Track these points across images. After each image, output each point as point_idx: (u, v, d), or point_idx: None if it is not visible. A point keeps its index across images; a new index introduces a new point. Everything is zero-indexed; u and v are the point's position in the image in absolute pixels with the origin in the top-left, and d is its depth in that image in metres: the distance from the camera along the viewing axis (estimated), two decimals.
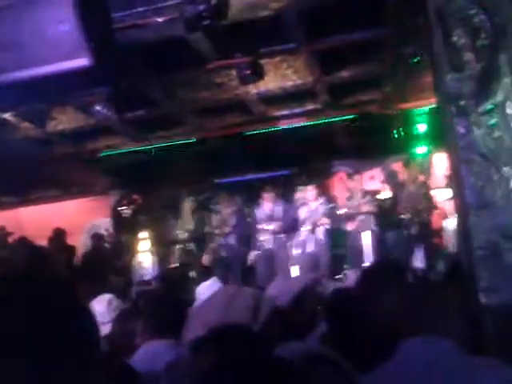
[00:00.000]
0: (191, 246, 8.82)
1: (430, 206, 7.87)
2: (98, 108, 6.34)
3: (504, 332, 3.22)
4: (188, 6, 4.68)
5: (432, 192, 8.37)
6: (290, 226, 7.80)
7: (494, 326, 3.18)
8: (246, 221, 8.40)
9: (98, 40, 4.34)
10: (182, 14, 4.86)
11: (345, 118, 8.01)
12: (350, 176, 8.43)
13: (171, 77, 6.47)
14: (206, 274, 7.47)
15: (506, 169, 3.57)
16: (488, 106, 3.64)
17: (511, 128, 3.58)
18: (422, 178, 8.21)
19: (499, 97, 3.64)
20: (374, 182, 9.00)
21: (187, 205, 9.00)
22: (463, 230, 3.70)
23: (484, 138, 3.63)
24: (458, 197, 3.76)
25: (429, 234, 7.60)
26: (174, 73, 6.35)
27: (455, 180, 3.81)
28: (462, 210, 3.73)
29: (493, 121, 3.64)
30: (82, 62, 4.13)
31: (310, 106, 7.63)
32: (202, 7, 4.60)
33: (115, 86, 6.02)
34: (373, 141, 8.28)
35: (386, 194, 8.14)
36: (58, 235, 8.68)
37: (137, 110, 7.32)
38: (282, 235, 7.86)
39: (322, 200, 7.81)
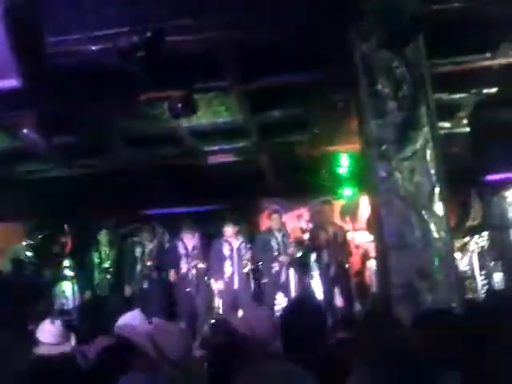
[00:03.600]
0: (111, 277, 8.58)
1: (351, 247, 8.12)
2: (25, 131, 6.15)
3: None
4: (122, 36, 4.69)
5: (356, 234, 8.64)
6: (211, 263, 7.78)
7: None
8: (169, 255, 8.31)
9: (29, 62, 4.27)
10: (116, 44, 4.86)
11: (274, 157, 8.19)
12: (277, 214, 8.55)
13: (103, 105, 6.40)
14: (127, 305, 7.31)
15: (424, 212, 3.79)
16: (409, 152, 3.88)
17: (430, 173, 3.82)
18: (346, 219, 8.48)
19: (419, 144, 3.89)
20: (301, 220, 9.18)
21: (109, 235, 8.79)
22: (382, 269, 3.87)
23: (404, 182, 3.84)
24: (378, 238, 3.94)
25: (349, 275, 7.81)
26: (105, 101, 6.29)
27: (375, 221, 3.99)
28: (381, 251, 3.90)
29: (413, 166, 3.87)
30: (12, 83, 4.04)
31: (240, 144, 7.75)
32: (136, 38, 4.63)
33: (44, 110, 5.89)
34: (300, 180, 8.48)
35: (310, 233, 8.31)
36: None
37: (65, 136, 7.16)
38: (202, 271, 7.84)
39: (244, 238, 7.88)
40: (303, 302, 2.86)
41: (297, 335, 2.45)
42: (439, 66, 5.19)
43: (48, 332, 4.32)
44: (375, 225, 4.04)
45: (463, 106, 6.63)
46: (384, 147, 3.89)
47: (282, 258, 7.64)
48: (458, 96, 6.33)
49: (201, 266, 7.84)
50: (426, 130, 3.90)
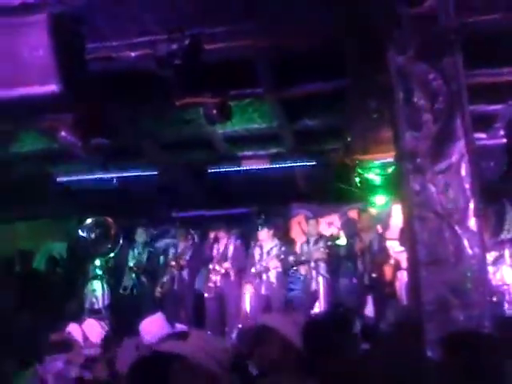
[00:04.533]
0: (142, 277, 8.70)
1: (384, 256, 8.02)
2: (63, 133, 6.30)
3: None
4: (161, 44, 4.76)
5: (388, 243, 8.56)
6: (242, 266, 7.80)
7: (438, 381, 3.25)
8: (201, 257, 8.38)
9: (70, 69, 4.38)
10: (154, 51, 4.94)
11: (307, 163, 8.18)
12: (308, 220, 8.53)
13: (139, 109, 6.52)
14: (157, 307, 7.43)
15: (457, 227, 3.72)
16: (443, 165, 3.82)
17: (465, 188, 3.75)
18: (378, 228, 8.39)
19: (454, 157, 3.83)
20: (332, 227, 9.14)
21: (142, 235, 8.91)
22: (413, 284, 3.82)
23: (438, 196, 3.79)
24: (410, 251, 3.89)
25: (380, 285, 7.71)
26: (141, 106, 6.40)
27: (408, 235, 3.94)
28: (413, 265, 3.86)
29: (447, 180, 3.81)
30: (52, 88, 4.15)
31: (273, 150, 7.78)
32: (175, 46, 4.69)
33: (82, 113, 6.01)
34: (332, 188, 8.45)
35: (341, 240, 8.27)
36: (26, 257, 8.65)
37: (101, 139, 7.30)
38: (233, 274, 7.86)
39: (276, 242, 7.87)
40: (333, 314, 2.86)
41: (321, 348, 2.44)
42: (476, 77, 5.11)
43: (96, 329, 4.42)
44: (407, 238, 4.00)
45: (500, 117, 6.51)
46: (418, 160, 3.84)
47: (314, 265, 7.62)
48: (494, 107, 6.22)
49: (232, 268, 7.87)
50: (461, 143, 3.83)
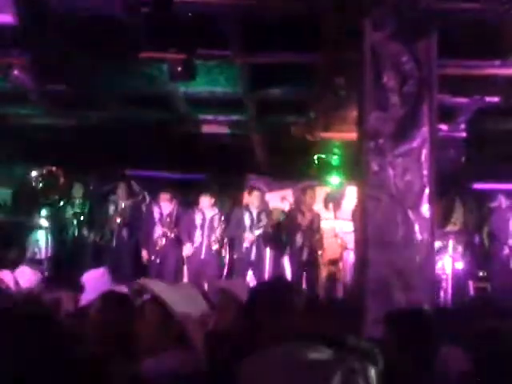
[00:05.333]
0: (83, 231, 8.53)
1: (330, 235, 8.11)
2: (15, 73, 5.97)
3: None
4: None
5: (336, 222, 8.62)
6: (184, 231, 7.73)
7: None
8: (141, 216, 8.26)
9: (29, 1, 4.12)
10: None
11: (267, 134, 8.10)
12: (260, 192, 8.48)
13: (101, 57, 6.24)
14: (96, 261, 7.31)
15: (410, 212, 3.74)
16: (404, 149, 3.82)
17: (422, 174, 3.77)
18: (329, 207, 8.44)
19: (416, 142, 3.83)
20: (284, 202, 9.13)
21: (84, 189, 8.71)
22: (360, 262, 3.83)
23: (395, 179, 3.79)
24: (360, 230, 3.90)
25: (317, 262, 7.81)
26: (104, 54, 6.12)
27: (360, 214, 3.94)
28: (362, 244, 3.87)
29: (406, 164, 3.81)
30: (7, 18, 3.90)
31: (235, 116, 7.64)
32: None
33: (38, 53, 5.71)
34: (290, 162, 8.41)
35: (290, 215, 8.26)
36: None
37: (57, 84, 6.98)
38: (174, 239, 7.80)
39: (217, 211, 7.81)
40: (275, 281, 2.80)
41: (262, 314, 2.38)
42: (445, 67, 5.11)
43: (28, 277, 4.30)
44: (360, 217, 4.00)
45: (463, 110, 6.58)
46: (380, 141, 3.82)
47: (252, 235, 7.63)
48: (459, 100, 6.27)
49: (171, 234, 7.80)
50: (425, 129, 3.84)
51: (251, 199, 8.03)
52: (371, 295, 3.59)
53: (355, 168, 4.43)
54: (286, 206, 8.98)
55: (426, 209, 3.77)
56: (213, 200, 7.75)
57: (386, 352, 2.39)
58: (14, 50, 5.62)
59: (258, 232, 7.71)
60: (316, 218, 8.02)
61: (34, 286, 4.49)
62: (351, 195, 8.80)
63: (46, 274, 7.63)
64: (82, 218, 8.49)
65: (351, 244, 8.06)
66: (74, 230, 8.45)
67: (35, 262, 7.86)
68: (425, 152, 3.81)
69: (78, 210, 8.57)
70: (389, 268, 3.64)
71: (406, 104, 3.87)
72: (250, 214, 7.84)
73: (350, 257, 7.89)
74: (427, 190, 3.77)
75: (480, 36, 4.91)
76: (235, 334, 2.41)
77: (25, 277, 4.56)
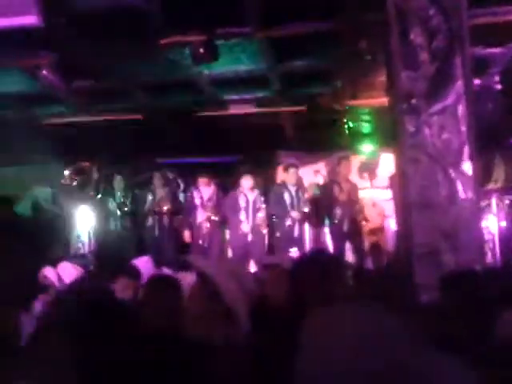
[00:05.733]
0: (125, 223, 8.61)
1: (369, 204, 7.99)
2: (44, 73, 6.02)
3: (434, 329, 3.28)
4: None
5: (374, 191, 8.50)
6: (226, 214, 7.73)
7: (427, 323, 3.23)
8: (181, 203, 8.30)
9: (52, 2, 4.12)
10: None
11: (294, 108, 8.00)
12: (294, 167, 8.41)
13: (123, 49, 6.23)
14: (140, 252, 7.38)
15: (451, 170, 3.64)
16: (439, 106, 3.70)
17: (460, 131, 3.65)
18: (365, 176, 8.32)
19: (451, 98, 3.70)
20: (318, 175, 9.05)
21: (123, 182, 8.77)
22: (404, 227, 3.76)
23: (433, 138, 3.68)
24: (402, 194, 3.81)
25: (359, 232, 7.70)
26: (126, 45, 6.12)
27: (400, 178, 3.85)
28: (405, 208, 3.78)
29: (443, 122, 3.70)
30: (32, 19, 3.91)
31: (260, 94, 7.56)
32: None
33: (63, 51, 5.74)
34: (320, 134, 8.30)
35: (326, 188, 8.18)
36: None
37: (84, 80, 7.03)
38: (217, 222, 7.81)
39: (258, 191, 7.78)
40: (316, 254, 2.77)
41: (308, 285, 2.35)
42: (476, 17, 4.92)
43: (71, 272, 4.38)
44: (399, 182, 3.91)
45: (497, 61, 6.33)
46: (413, 101, 3.71)
47: (296, 213, 7.56)
48: (491, 50, 6.03)
49: (214, 217, 7.80)
50: (459, 84, 3.70)
51: (288, 176, 7.95)
52: (418, 260, 3.52)
53: (391, 132, 4.32)
54: (320, 180, 8.90)
55: (467, 166, 3.66)
56: (253, 181, 7.71)
57: (441, 317, 2.33)
58: (41, 51, 5.66)
59: (298, 208, 7.65)
60: (353, 188, 7.90)
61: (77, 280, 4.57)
62: (385, 162, 8.65)
63: (91, 267, 7.78)
64: (123, 209, 8.58)
65: (390, 211, 7.95)
66: (116, 222, 8.55)
67: (79, 257, 8.01)
68: (461, 108, 3.68)
69: (119, 202, 8.67)
70: (434, 230, 3.56)
71: (437, 60, 3.73)
72: (289, 191, 7.77)
73: (391, 224, 7.77)
74: (467, 147, 3.65)
75: None
76: (283, 308, 2.40)
77: (67, 272, 4.65)
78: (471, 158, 3.66)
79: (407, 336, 1.00)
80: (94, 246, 8.48)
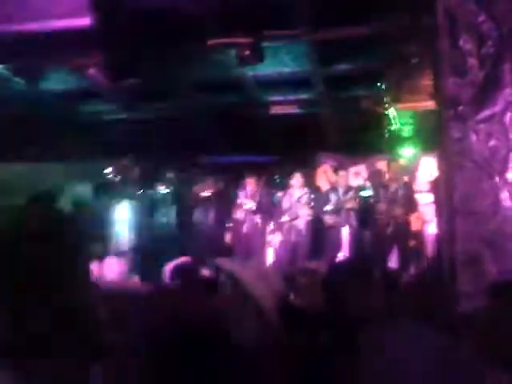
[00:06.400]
0: (169, 220, 8.73)
1: (410, 208, 7.91)
2: (92, 71, 6.21)
3: (477, 337, 3.26)
4: None
5: (414, 195, 8.42)
6: (269, 211, 7.77)
7: (469, 331, 3.22)
8: (229, 202, 8.37)
9: (102, 2, 4.26)
10: None
11: (337, 111, 8.00)
12: (335, 170, 8.42)
13: (169, 49, 6.37)
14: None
15: (497, 178, 3.61)
16: (487, 113, 3.67)
17: (508, 138, 3.61)
18: (405, 179, 8.25)
19: (499, 106, 3.67)
20: (358, 178, 9.02)
21: (170, 180, 8.90)
22: (447, 234, 3.74)
23: (479, 146, 3.66)
24: (446, 201, 3.79)
25: (405, 236, 7.63)
26: (172, 45, 6.25)
27: (445, 184, 3.84)
28: (449, 214, 3.77)
29: (490, 129, 3.67)
30: (84, 21, 4.06)
31: (303, 95, 7.60)
32: None
33: (113, 51, 5.90)
34: (361, 137, 8.28)
35: (368, 191, 8.16)
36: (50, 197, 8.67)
37: (131, 79, 7.19)
38: (259, 218, 7.82)
39: (306, 190, 7.78)
40: (349, 264, 2.77)
41: (340, 294, 2.37)
42: None
43: (116, 268, 4.47)
44: (443, 187, 3.89)
45: None
46: (460, 107, 3.69)
47: (341, 215, 7.55)
48: None
49: (260, 217, 7.83)
50: (507, 91, 3.66)
51: (331, 178, 7.93)
52: (461, 268, 3.51)
53: (434, 136, 4.31)
54: (361, 182, 8.87)
55: None
56: (302, 180, 7.70)
57: (486, 325, 2.34)
58: (92, 51, 5.84)
59: (342, 210, 7.63)
60: (403, 190, 7.82)
61: (122, 276, 4.65)
62: (426, 166, 8.56)
63: (132, 264, 7.92)
64: (165, 207, 8.69)
65: (430, 216, 7.86)
66: (157, 219, 8.67)
67: (120, 254, 8.16)
68: (509, 115, 3.64)
69: (161, 200, 8.78)
70: (478, 238, 3.54)
71: (486, 66, 3.70)
72: (333, 193, 7.76)
73: (430, 229, 7.68)
74: None
75: None
76: (315, 311, 2.43)
77: (112, 268, 4.74)
78: None
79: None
80: (135, 243, 8.60)
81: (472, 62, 3.74)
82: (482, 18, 3.74)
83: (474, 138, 3.66)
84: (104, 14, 4.03)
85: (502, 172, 3.61)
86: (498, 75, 3.71)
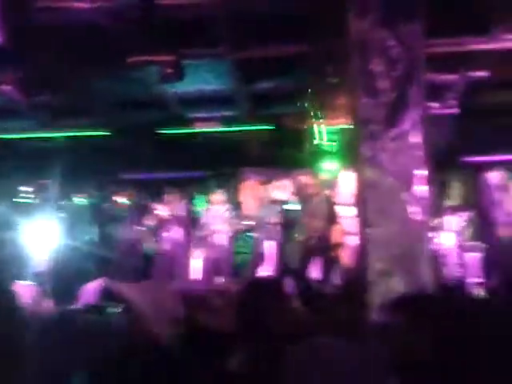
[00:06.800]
0: (95, 241, 8.56)
1: (331, 221, 8.15)
2: (6, 88, 6.01)
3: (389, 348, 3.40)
4: None
5: (335, 208, 8.67)
6: (190, 227, 7.78)
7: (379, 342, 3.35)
8: (146, 219, 8.31)
9: (13, 17, 4.15)
10: (106, 3, 4.75)
11: (260, 127, 8.15)
12: (259, 184, 8.54)
13: (89, 66, 6.27)
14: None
15: (406, 194, 3.80)
16: (396, 132, 3.87)
17: (415, 155, 3.82)
18: (326, 193, 8.49)
19: (407, 125, 3.88)
20: (283, 192, 9.18)
21: (91, 198, 8.73)
22: (362, 247, 3.90)
23: (389, 163, 3.84)
24: (360, 216, 3.96)
25: (326, 249, 7.85)
26: (92, 62, 6.16)
27: (360, 199, 4.00)
28: (362, 229, 3.93)
29: (399, 147, 3.87)
30: None
31: (227, 112, 7.68)
32: None
33: (27, 67, 5.75)
34: (285, 152, 8.47)
35: (292, 205, 8.34)
36: None
37: (48, 96, 7.02)
38: (179, 234, 7.83)
39: (227, 206, 7.86)
40: (257, 285, 2.80)
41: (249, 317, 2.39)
42: (433, 46, 5.16)
43: (26, 292, 4.32)
44: (359, 202, 4.06)
45: (454, 87, 6.63)
46: (372, 126, 3.88)
47: (263, 228, 7.67)
48: (449, 77, 6.32)
49: (182, 232, 7.84)
50: (415, 111, 3.89)
51: (254, 193, 8.06)
52: (374, 280, 3.66)
53: (350, 155, 4.49)
54: (287, 196, 9.04)
55: (422, 190, 3.83)
56: (223, 195, 7.77)
57: (394, 336, 2.45)
58: (2, 66, 5.66)
59: (265, 224, 7.75)
60: (324, 203, 8.04)
61: (34, 300, 4.50)
62: (347, 180, 8.86)
63: (48, 288, 7.64)
64: (83, 225, 8.52)
65: (352, 228, 8.13)
66: (76, 238, 8.48)
67: (34, 277, 7.87)
68: (416, 133, 3.86)
69: (80, 218, 8.60)
70: (389, 252, 3.71)
71: (396, 88, 3.91)
72: (257, 207, 7.88)
73: (351, 241, 7.94)
74: (422, 172, 3.82)
75: (464, 13, 4.97)
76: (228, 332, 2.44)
77: (23, 293, 4.59)
78: (426, 183, 3.83)
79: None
80: (53, 266, 8.35)
81: (382, 84, 3.94)
82: (391, 42, 3.95)
83: (384, 155, 3.84)
84: (15, 30, 3.92)
85: (411, 188, 3.81)
86: (407, 96, 3.93)
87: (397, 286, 3.66)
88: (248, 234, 7.87)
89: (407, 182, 3.83)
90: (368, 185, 3.87)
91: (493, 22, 5.32)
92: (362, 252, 3.89)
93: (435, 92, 6.37)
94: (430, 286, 3.69)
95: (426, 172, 3.87)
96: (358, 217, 4.12)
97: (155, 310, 2.03)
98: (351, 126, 4.34)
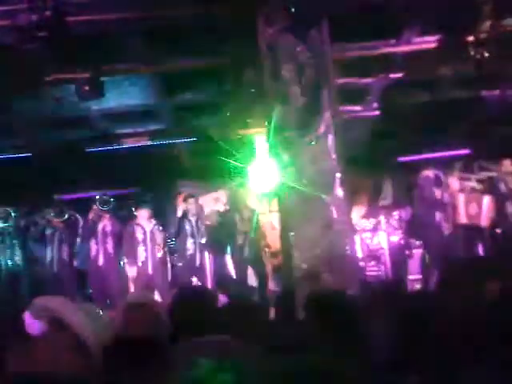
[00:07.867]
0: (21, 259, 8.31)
1: (265, 229, 8.22)
2: None
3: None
4: (21, 14, 4.46)
5: (273, 215, 8.74)
6: (121, 244, 7.67)
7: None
8: (80, 238, 8.13)
9: None
10: (15, 22, 4.64)
11: (187, 139, 8.13)
12: (192, 196, 8.49)
13: (6, 87, 6.09)
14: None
15: (325, 196, 3.89)
16: (311, 137, 3.95)
17: (331, 158, 3.91)
18: (258, 202, 8.53)
19: (321, 129, 3.97)
20: (218, 203, 9.16)
21: (17, 221, 8.46)
22: (285, 251, 3.95)
23: (306, 167, 3.92)
24: (281, 222, 4.02)
25: (260, 256, 7.88)
26: (9, 83, 5.98)
27: (279, 205, 4.06)
28: (284, 233, 3.99)
29: (315, 151, 3.95)
30: None
31: (153, 126, 7.63)
32: (36, 17, 4.42)
33: None
34: (214, 164, 8.46)
35: (226, 216, 8.32)
36: None
37: None
38: (114, 254, 7.72)
39: (155, 222, 7.78)
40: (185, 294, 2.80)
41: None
42: (347, 51, 5.30)
43: None
44: (279, 208, 4.12)
45: (372, 89, 6.81)
46: (287, 133, 3.95)
47: (196, 242, 7.64)
48: (366, 80, 6.49)
49: (113, 250, 7.71)
50: (327, 115, 3.98)
51: (188, 206, 8.01)
52: (299, 281, 3.71)
53: (271, 161, 4.54)
54: (221, 207, 9.03)
55: (340, 192, 3.92)
56: (150, 212, 7.71)
57: (307, 335, 2.47)
58: None
59: (199, 238, 7.73)
60: (253, 213, 8.08)
61: None
62: (272, 187, 8.93)
63: None
64: (13, 248, 8.26)
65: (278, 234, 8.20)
66: (6, 259, 8.21)
67: None
68: (330, 137, 3.96)
69: (10, 241, 8.34)
70: (312, 253, 3.77)
71: (307, 93, 4.00)
72: (189, 221, 7.84)
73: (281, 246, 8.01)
74: (338, 173, 3.92)
75: (373, 18, 5.12)
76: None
77: None
78: (343, 184, 3.93)
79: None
80: None
81: (294, 89, 4.02)
82: (299, 48, 4.04)
83: (301, 160, 3.92)
84: None
85: (329, 190, 3.89)
86: (318, 101, 4.02)
87: (322, 286, 3.72)
88: (183, 247, 7.81)
89: (326, 185, 3.91)
90: (288, 190, 3.93)
91: (404, 25, 5.50)
92: (285, 257, 3.94)
93: (356, 95, 6.55)
94: (355, 284, 3.77)
95: (342, 174, 3.97)
96: (280, 222, 4.17)
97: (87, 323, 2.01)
98: (268, 133, 4.39)
